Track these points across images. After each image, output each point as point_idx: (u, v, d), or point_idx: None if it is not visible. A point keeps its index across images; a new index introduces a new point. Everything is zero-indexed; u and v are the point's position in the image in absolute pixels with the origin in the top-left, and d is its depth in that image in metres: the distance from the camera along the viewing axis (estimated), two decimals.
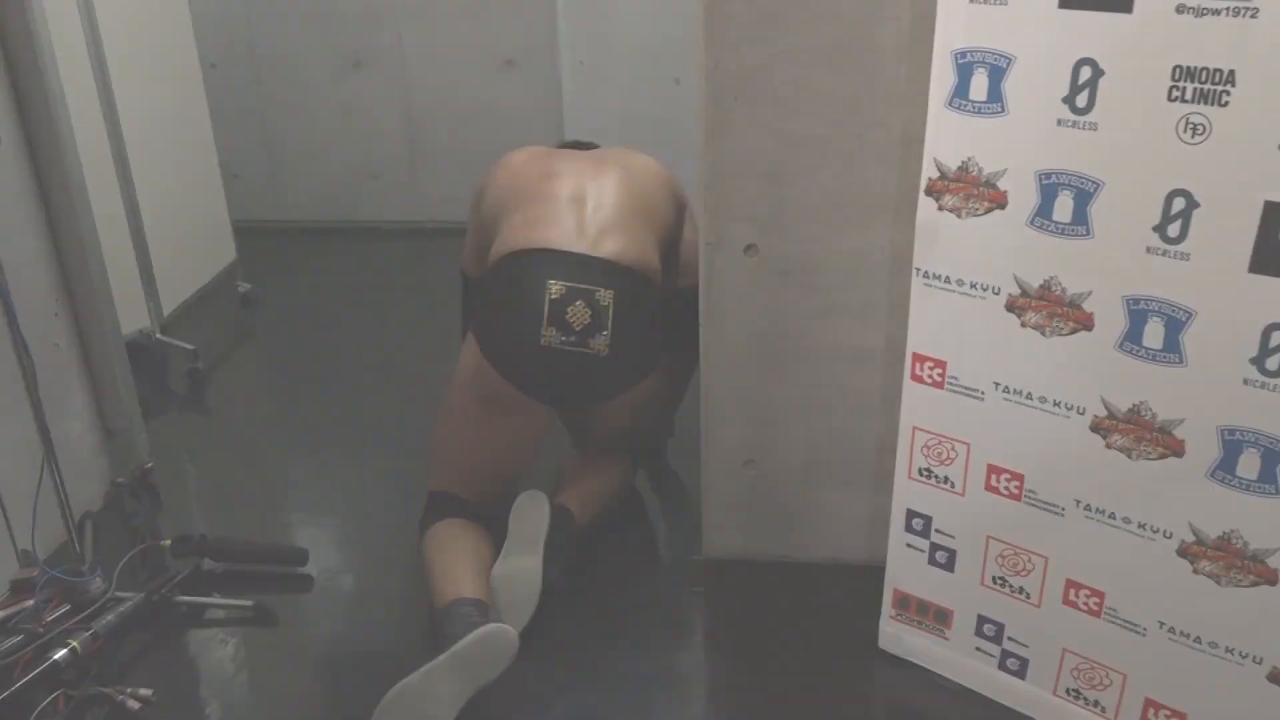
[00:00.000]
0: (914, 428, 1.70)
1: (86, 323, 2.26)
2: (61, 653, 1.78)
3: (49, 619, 1.91)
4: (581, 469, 2.19)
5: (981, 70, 1.44)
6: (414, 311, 3.58)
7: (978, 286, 1.55)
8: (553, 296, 1.91)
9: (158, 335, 2.94)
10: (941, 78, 1.49)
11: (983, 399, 1.60)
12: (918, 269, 1.60)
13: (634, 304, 1.96)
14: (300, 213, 4.25)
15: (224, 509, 2.42)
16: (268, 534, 2.30)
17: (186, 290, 3.16)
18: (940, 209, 1.55)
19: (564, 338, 1.91)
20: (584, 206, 2.08)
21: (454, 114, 3.99)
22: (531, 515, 1.95)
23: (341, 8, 3.88)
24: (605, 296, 1.93)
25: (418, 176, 4.12)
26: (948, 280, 1.58)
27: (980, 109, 1.46)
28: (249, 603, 2.00)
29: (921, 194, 1.56)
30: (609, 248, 2.00)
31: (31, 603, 1.95)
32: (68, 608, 1.95)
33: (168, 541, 2.12)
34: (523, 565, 1.90)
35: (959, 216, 1.53)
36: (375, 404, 2.87)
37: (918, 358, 1.65)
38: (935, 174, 1.54)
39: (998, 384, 1.58)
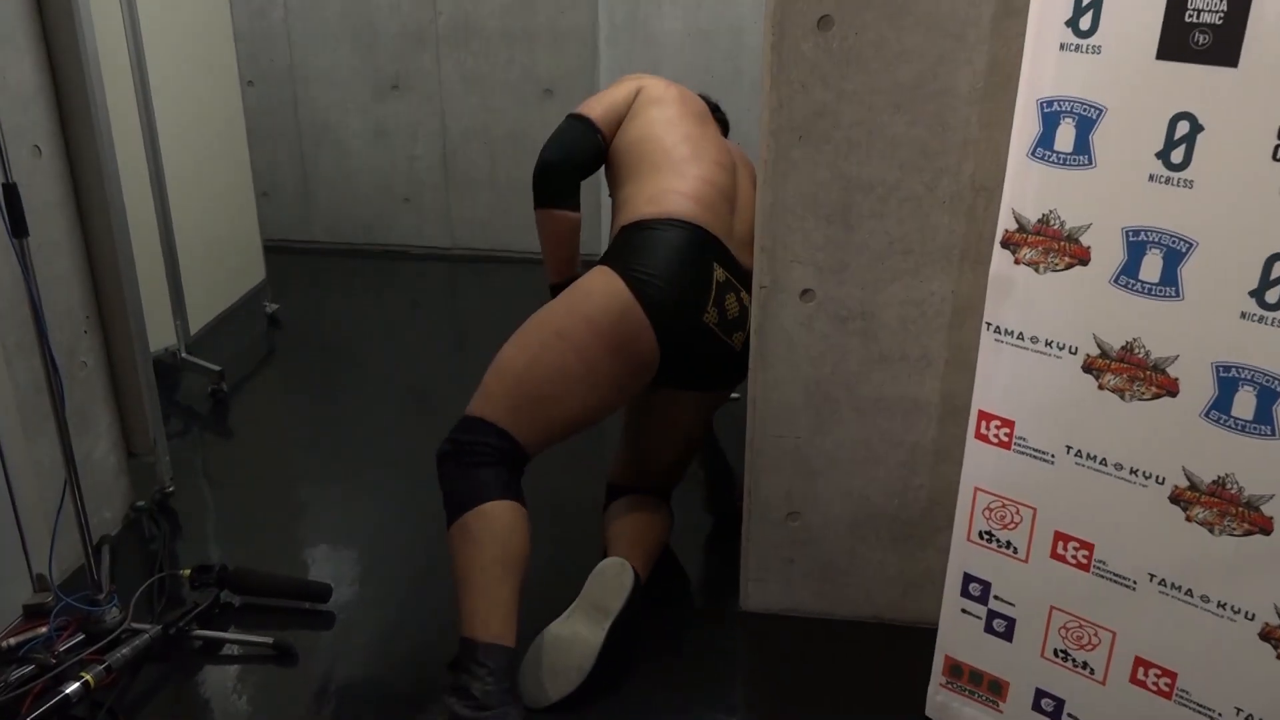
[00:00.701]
0: (976, 489, 1.62)
1: (116, 341, 2.21)
2: (74, 686, 1.71)
3: (62, 649, 1.84)
4: (635, 522, 2.08)
5: (1069, 120, 1.38)
6: (443, 338, 3.53)
7: (1053, 345, 1.47)
8: (719, 280, 1.99)
9: (183, 354, 2.88)
10: (1025, 126, 1.43)
11: (1053, 463, 1.52)
12: (989, 323, 1.53)
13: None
14: (330, 234, 4.22)
15: (243, 536, 2.35)
16: (288, 564, 2.23)
17: (214, 309, 3.11)
18: (1017, 262, 1.48)
19: (718, 321, 1.99)
20: (732, 210, 2.13)
21: (490, 140, 3.96)
22: (612, 585, 1.84)
23: (382, 29, 3.86)
24: (746, 299, 2.03)
25: (451, 202, 4.08)
26: (1020, 337, 1.50)
27: (1065, 160, 1.40)
28: (269, 640, 1.93)
29: (997, 246, 1.50)
30: (745, 260, 2.06)
31: (45, 630, 1.88)
32: (82, 637, 1.88)
33: (187, 571, 2.05)
34: (584, 636, 1.79)
35: (1037, 271, 1.46)
36: (401, 431, 2.81)
37: (983, 415, 1.58)
38: (1013, 226, 1.47)
39: (1070, 447, 1.50)
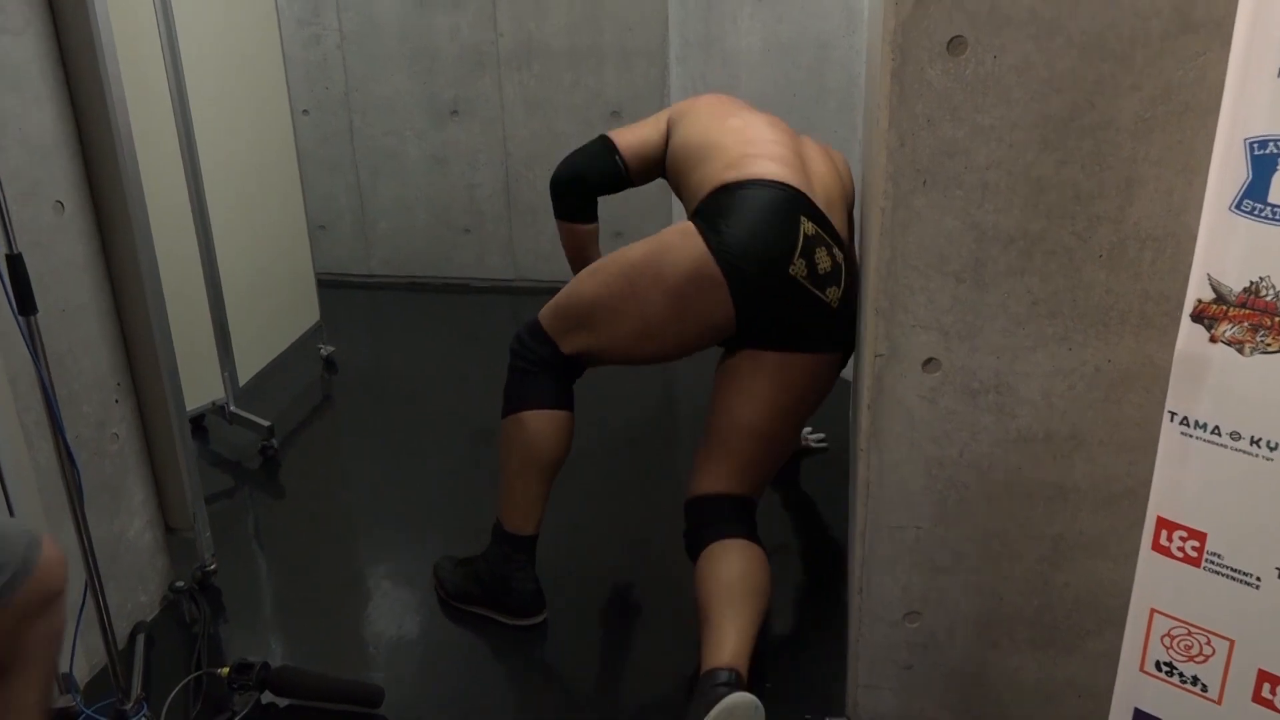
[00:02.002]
0: (1152, 610, 1.32)
1: (151, 409, 2.02)
2: None
3: None
4: (740, 586, 1.80)
5: None
6: None
7: (1262, 444, 1.18)
8: (807, 233, 1.89)
9: (232, 408, 2.70)
10: (1227, 172, 1.13)
11: (1258, 587, 1.22)
12: (1173, 413, 1.24)
13: (852, 278, 1.94)
14: (388, 267, 4.05)
15: (291, 617, 2.14)
16: (339, 649, 2.02)
17: (266, 356, 2.93)
18: (1213, 340, 1.19)
19: (808, 275, 1.88)
20: (810, 173, 2.03)
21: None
22: None
23: (441, 52, 3.67)
24: (839, 255, 1.94)
25: (513, 232, 3.87)
26: (1217, 431, 1.21)
27: None
28: None
29: (1185, 319, 1.20)
30: (835, 219, 1.99)
31: None
32: None
33: (225, 670, 1.85)
34: None
35: (1241, 352, 1.17)
36: (468, 487, 2.59)
37: (1164, 523, 1.28)
38: (1209, 295, 1.18)
39: None
